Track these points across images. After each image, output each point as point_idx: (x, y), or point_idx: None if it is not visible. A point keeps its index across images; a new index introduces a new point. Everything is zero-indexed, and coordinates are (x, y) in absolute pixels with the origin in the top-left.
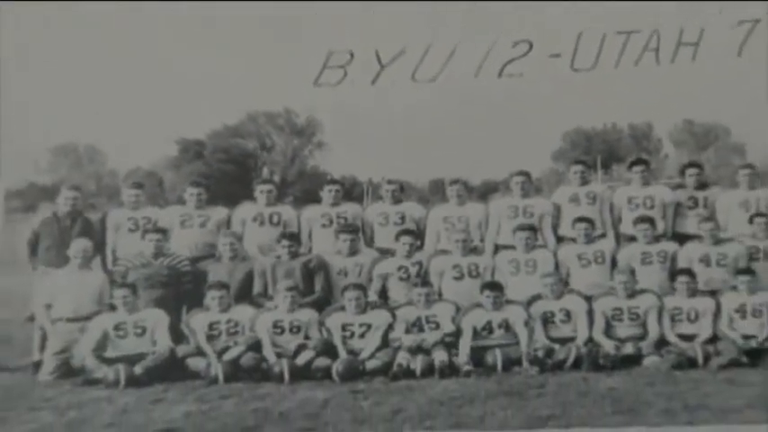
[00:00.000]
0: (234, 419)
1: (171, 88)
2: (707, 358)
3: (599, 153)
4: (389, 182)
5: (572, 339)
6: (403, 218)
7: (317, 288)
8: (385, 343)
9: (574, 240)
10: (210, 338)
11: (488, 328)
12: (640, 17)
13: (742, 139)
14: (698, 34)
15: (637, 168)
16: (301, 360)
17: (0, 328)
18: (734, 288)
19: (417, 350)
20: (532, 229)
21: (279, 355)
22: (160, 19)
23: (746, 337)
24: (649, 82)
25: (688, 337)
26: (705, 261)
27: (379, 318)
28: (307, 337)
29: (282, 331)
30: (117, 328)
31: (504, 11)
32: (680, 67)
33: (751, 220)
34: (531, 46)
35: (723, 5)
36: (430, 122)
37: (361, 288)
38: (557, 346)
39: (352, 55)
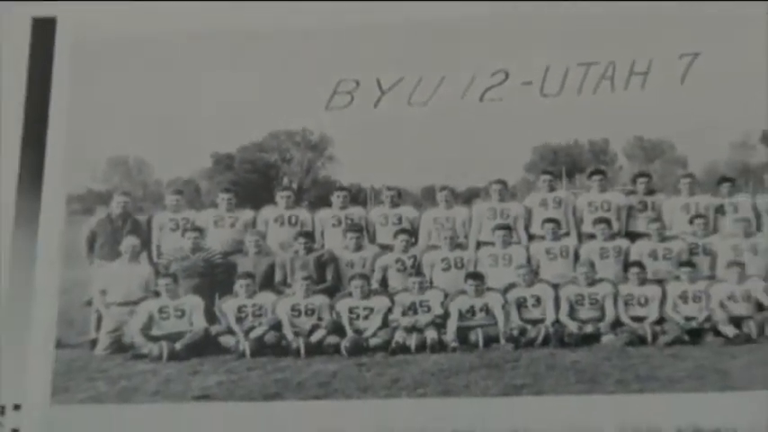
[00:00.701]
0: (258, 388)
1: (206, 111)
2: (655, 337)
3: (563, 165)
4: (389, 188)
5: (541, 321)
6: (400, 219)
7: (328, 278)
8: (385, 323)
9: (543, 238)
10: (239, 320)
11: (471, 311)
12: (598, 51)
13: (684, 152)
14: (647, 65)
15: (595, 178)
16: (315, 338)
17: (63, 311)
18: (677, 278)
19: (412, 329)
20: (508, 228)
21: (296, 334)
22: (200, 56)
23: (688, 319)
24: (606, 105)
25: (639, 319)
26: (653, 255)
27: (380, 302)
28: (319, 319)
29: (299, 314)
30: (161, 311)
31: (485, 47)
32: (632, 92)
33: (691, 221)
34: (507, 75)
35: (667, 40)
36: (423, 139)
37: (365, 277)
38: (529, 327)
39: (357, 83)
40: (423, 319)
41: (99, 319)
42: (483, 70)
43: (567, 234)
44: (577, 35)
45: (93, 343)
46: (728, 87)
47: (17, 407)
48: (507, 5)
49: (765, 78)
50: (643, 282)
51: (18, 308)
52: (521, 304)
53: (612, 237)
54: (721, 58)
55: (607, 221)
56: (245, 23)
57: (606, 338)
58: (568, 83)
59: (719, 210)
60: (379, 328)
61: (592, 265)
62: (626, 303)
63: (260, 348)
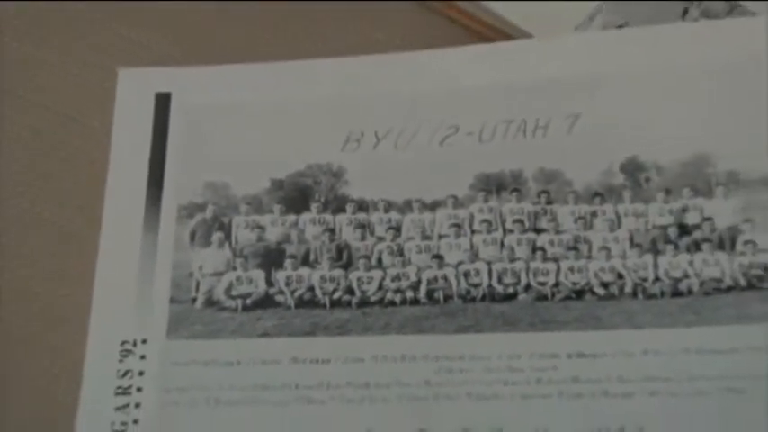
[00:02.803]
0: (299, 328)
1: (267, 152)
2: (553, 295)
3: (494, 185)
4: (382, 200)
5: (480, 285)
6: (390, 220)
7: (343, 258)
8: (380, 287)
9: (480, 232)
10: (287, 284)
11: (435, 279)
12: (515, 113)
13: (571, 177)
14: (546, 122)
15: (514, 193)
16: (335, 297)
17: (174, 280)
18: (567, 258)
19: (397, 291)
20: (458, 226)
21: (323, 294)
22: (262, 117)
23: (574, 283)
24: (521, 148)
25: (542, 284)
26: (551, 243)
27: (377, 274)
28: (338, 284)
29: (325, 281)
30: (237, 279)
31: (443, 111)
32: (537, 139)
33: (575, 221)
34: (457, 129)
35: (559, 106)
36: (404, 169)
37: (367, 258)
38: (472, 289)
39: (362, 134)
40: (404, 284)
41: (197, 285)
42: (442, 126)
43: (496, 230)
44: (500, 103)
45: (194, 300)
46: (598, 136)
47: (144, 341)
48: (454, 83)
49: (620, 130)
50: (545, 260)
51: (145, 278)
52: (466, 274)
53: (525, 231)
54: (593, 117)
55: (521, 222)
56: (289, 95)
57: (521, 296)
58: (497, 133)
59: (593, 214)
60: (377, 290)
61: (512, 249)
62: (534, 274)
63: (300, 303)
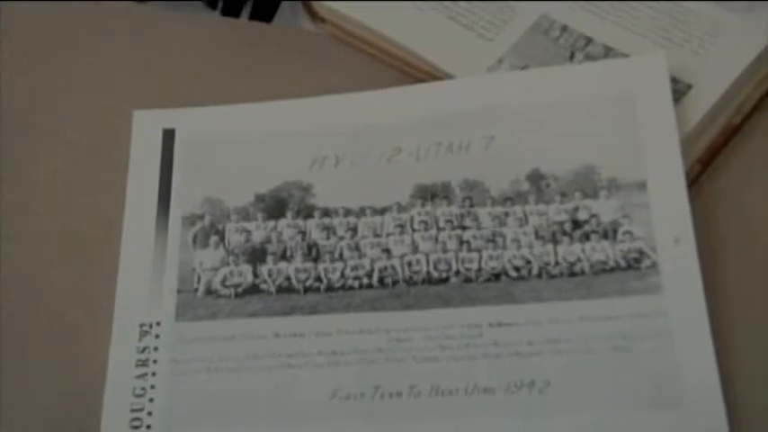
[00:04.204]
0: (279, 309)
1: (254, 174)
2: (477, 278)
3: (429, 193)
4: (342, 208)
5: (420, 272)
6: (348, 223)
7: (313, 253)
8: (342, 275)
9: (419, 230)
10: (269, 275)
11: (385, 268)
12: (443, 135)
13: (488, 186)
14: (468, 142)
15: (444, 200)
16: (307, 284)
17: (180, 274)
18: (486, 248)
19: (355, 278)
20: (402, 226)
21: (298, 282)
22: (251, 149)
23: (493, 268)
24: (448, 163)
25: (468, 269)
26: (474, 237)
27: (339, 265)
28: (309, 274)
29: (299, 272)
30: (230, 273)
31: (389, 138)
32: (461, 155)
33: (492, 220)
34: (400, 150)
35: (476, 129)
36: (358, 183)
37: (332, 252)
38: (414, 275)
39: (325, 157)
40: (360, 273)
41: (199, 278)
42: (388, 148)
43: (432, 228)
44: (432, 129)
45: (196, 290)
46: (508, 153)
47: (158, 323)
48: (397, 115)
49: (525, 148)
50: (470, 251)
51: (157, 273)
52: (409, 263)
53: (453, 229)
54: (504, 138)
55: (451, 221)
56: (267, 129)
57: (452, 280)
58: (430, 153)
59: (506, 214)
60: (340, 278)
61: (444, 243)
62: (462, 262)
63: (280, 290)
